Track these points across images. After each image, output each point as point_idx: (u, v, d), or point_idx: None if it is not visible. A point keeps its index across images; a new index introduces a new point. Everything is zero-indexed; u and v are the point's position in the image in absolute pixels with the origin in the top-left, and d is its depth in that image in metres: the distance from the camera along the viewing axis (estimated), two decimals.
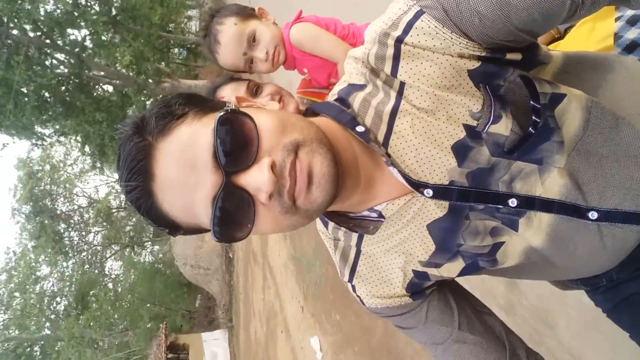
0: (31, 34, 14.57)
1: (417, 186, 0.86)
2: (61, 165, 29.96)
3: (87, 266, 31.87)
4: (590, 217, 0.87)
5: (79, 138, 17.46)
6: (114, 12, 15.44)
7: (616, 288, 1.08)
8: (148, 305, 28.22)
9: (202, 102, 0.84)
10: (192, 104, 0.82)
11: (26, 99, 14.20)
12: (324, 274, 7.57)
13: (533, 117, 0.83)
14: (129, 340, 27.21)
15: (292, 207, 0.79)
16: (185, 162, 0.77)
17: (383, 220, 0.93)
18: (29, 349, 29.04)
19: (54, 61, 15.91)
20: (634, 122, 0.88)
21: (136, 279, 29.92)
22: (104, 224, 31.53)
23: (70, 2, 14.71)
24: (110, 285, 32.75)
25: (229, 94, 1.82)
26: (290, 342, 9.45)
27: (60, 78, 15.49)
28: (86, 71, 15.75)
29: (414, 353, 4.55)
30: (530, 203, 0.87)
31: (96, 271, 32.43)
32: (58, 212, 29.09)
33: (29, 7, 13.36)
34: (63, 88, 15.93)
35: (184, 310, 28.76)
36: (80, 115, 15.58)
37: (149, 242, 33.64)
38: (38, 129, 16.48)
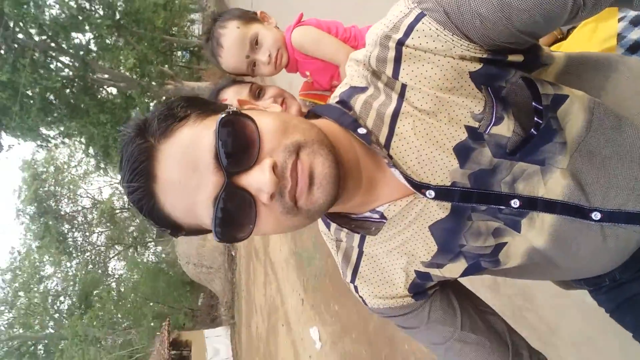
0: (37, 38, 14.59)
1: (419, 187, 0.86)
2: (65, 166, 30.08)
3: (90, 266, 31.94)
4: (593, 217, 0.87)
5: (83, 140, 17.42)
6: (118, 16, 15.38)
7: (619, 288, 1.08)
8: (151, 304, 28.27)
9: (204, 104, 0.85)
10: (194, 107, 0.83)
11: (31, 101, 14.21)
12: (324, 267, 7.64)
13: (535, 119, 0.83)
14: (132, 338, 27.26)
15: (294, 207, 0.79)
16: (187, 163, 0.77)
17: (385, 221, 0.93)
18: (33, 348, 29.07)
19: (59, 64, 15.93)
20: (637, 123, 0.88)
21: (139, 278, 29.95)
22: (108, 224, 31.57)
23: (75, 6, 14.72)
24: (113, 285, 32.76)
25: (232, 96, 1.82)
26: (291, 334, 9.51)
27: (65, 81, 15.52)
28: (90, 74, 15.74)
29: (407, 337, 4.62)
30: (533, 204, 0.87)
31: (100, 271, 32.49)
32: (62, 213, 29.23)
33: (35, 12, 13.37)
34: (68, 90, 15.93)
35: (187, 308, 28.75)
36: (85, 117, 15.57)
37: (152, 243, 33.64)
38: (43, 130, 16.43)
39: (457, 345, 1.00)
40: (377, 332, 5.53)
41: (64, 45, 15.08)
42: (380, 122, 0.87)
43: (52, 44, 15.02)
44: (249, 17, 1.91)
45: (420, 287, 1.00)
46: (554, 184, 0.86)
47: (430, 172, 0.86)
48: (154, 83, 15.89)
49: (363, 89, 0.90)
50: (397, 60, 0.83)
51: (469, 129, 0.83)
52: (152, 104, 16.62)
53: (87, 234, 31.62)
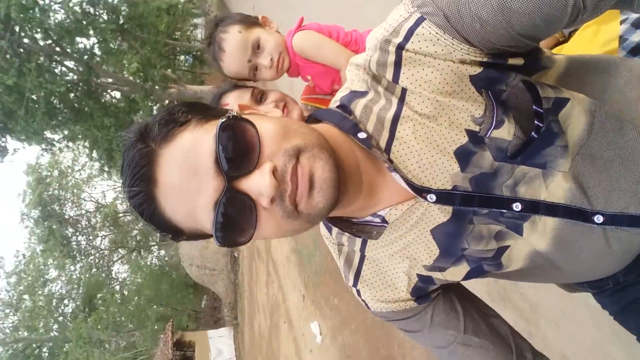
0: (41, 43, 14.73)
1: (420, 191, 0.86)
2: (69, 170, 30.20)
3: (94, 269, 31.99)
4: (596, 220, 0.87)
5: (87, 144, 17.52)
6: (121, 20, 15.50)
7: (623, 291, 1.07)
8: (155, 306, 28.33)
9: (204, 109, 0.85)
10: (195, 112, 0.83)
11: (37, 105, 14.29)
12: (324, 263, 7.74)
13: (535, 122, 0.82)
14: (135, 340, 27.33)
15: (294, 211, 0.79)
16: (187, 167, 0.77)
17: (386, 225, 0.93)
18: (37, 350, 29.10)
19: (64, 68, 16.07)
20: (639, 125, 0.88)
21: (143, 281, 30.02)
22: (111, 228, 31.62)
23: (80, 11, 14.86)
24: (117, 288, 32.84)
25: (233, 101, 1.81)
26: (293, 331, 9.57)
27: (69, 85, 15.62)
28: (95, 78, 15.88)
29: None
30: (535, 207, 0.86)
31: (103, 274, 32.53)
32: (66, 216, 29.30)
33: (41, 16, 13.50)
34: (72, 94, 16.02)
35: (190, 310, 28.77)
36: (89, 121, 15.66)
37: (155, 247, 33.67)
38: (48, 134, 16.49)
39: (460, 349, 1.00)
40: (375, 323, 5.63)
41: (68, 50, 15.20)
42: (381, 126, 0.87)
43: (57, 49, 15.14)
44: (250, 21, 1.92)
45: (422, 291, 1.00)
46: (556, 187, 0.86)
47: (431, 176, 0.86)
48: (157, 87, 15.96)
49: (363, 93, 0.91)
50: (397, 64, 0.83)
51: (470, 132, 0.83)
52: (155, 108, 16.73)
53: (91, 237, 31.73)
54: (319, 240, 7.95)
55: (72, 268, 31.05)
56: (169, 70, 17.96)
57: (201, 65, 20.48)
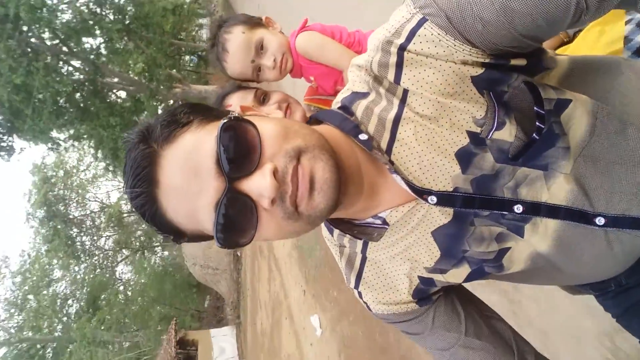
0: (49, 42, 14.96)
1: (421, 193, 0.85)
2: (74, 171, 30.36)
3: (98, 270, 32.10)
4: (597, 222, 0.86)
5: (92, 143, 17.65)
6: (127, 20, 15.69)
7: (625, 293, 1.06)
8: (158, 307, 28.36)
9: (206, 110, 0.85)
10: (197, 113, 0.83)
11: (43, 104, 14.45)
12: (324, 257, 7.76)
13: (537, 123, 0.82)
14: (139, 341, 27.45)
15: (295, 212, 0.79)
16: (189, 168, 0.77)
17: (387, 227, 0.92)
18: (42, 350, 29.24)
19: (70, 68, 16.26)
20: None
21: (146, 281, 30.07)
22: (115, 228, 31.70)
23: (87, 11, 15.06)
24: (121, 288, 33.01)
25: (237, 102, 1.81)
26: (294, 325, 9.59)
27: (76, 84, 15.80)
28: (101, 77, 16.07)
29: None
30: (536, 209, 0.86)
31: (107, 275, 32.63)
32: (71, 216, 29.41)
33: (48, 16, 13.70)
34: (78, 94, 16.21)
35: (194, 310, 28.80)
36: (95, 120, 15.83)
37: (159, 247, 33.73)
38: (54, 133, 16.66)
39: (462, 351, 0.99)
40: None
41: (75, 49, 15.38)
42: (382, 127, 0.87)
43: (64, 48, 15.34)
44: (254, 22, 1.92)
45: (424, 293, 1.00)
46: (558, 189, 0.85)
47: (432, 178, 0.85)
48: (162, 86, 16.09)
49: (364, 95, 0.90)
50: (399, 65, 0.83)
51: (471, 134, 0.83)
52: (160, 107, 16.85)
53: (95, 238, 31.86)
54: (319, 234, 7.99)
55: (77, 268, 31.20)
56: (174, 70, 18.03)
57: (206, 66, 20.56)
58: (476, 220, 0.88)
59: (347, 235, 0.98)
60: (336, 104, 0.96)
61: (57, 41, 15.10)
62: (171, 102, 17.17)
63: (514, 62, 0.83)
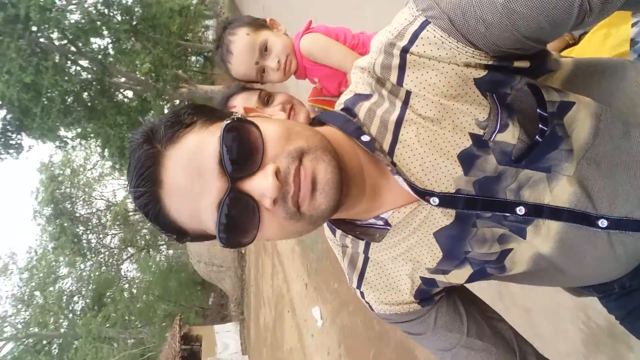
0: (57, 42, 15.16)
1: (423, 194, 0.85)
2: (81, 169, 30.62)
3: (104, 267, 32.37)
4: (600, 225, 0.86)
5: (99, 142, 17.80)
6: (135, 21, 15.87)
7: (629, 295, 1.06)
8: (163, 305, 28.54)
9: (210, 111, 0.86)
10: (201, 114, 0.84)
11: (52, 103, 14.63)
12: (326, 249, 7.83)
13: (540, 126, 0.82)
14: (144, 337, 27.57)
15: (297, 213, 0.79)
16: (192, 169, 0.77)
17: (389, 228, 0.92)
18: (47, 346, 29.51)
19: (78, 67, 16.44)
20: None
21: (151, 279, 30.22)
22: (121, 226, 31.95)
23: (95, 12, 15.25)
24: (126, 286, 33.23)
25: (241, 103, 1.80)
26: (296, 318, 9.71)
27: (83, 84, 16.03)
28: (108, 77, 16.25)
29: None
30: (539, 211, 0.86)
31: (113, 272, 32.88)
32: (77, 214, 29.73)
33: (58, 17, 13.86)
34: (86, 93, 16.43)
35: (198, 307, 29.02)
36: (102, 119, 15.98)
37: (165, 246, 33.88)
38: (62, 132, 16.81)
39: (463, 352, 0.99)
40: None
41: (83, 49, 15.56)
42: (384, 129, 0.87)
43: (73, 48, 15.53)
44: (258, 24, 1.92)
45: (426, 294, 0.99)
46: (560, 192, 0.84)
47: (434, 179, 0.85)
48: (168, 86, 16.26)
49: (367, 96, 0.90)
50: (402, 67, 0.82)
51: (474, 136, 0.82)
52: (167, 107, 16.98)
53: (101, 236, 32.15)
54: (321, 228, 8.17)
55: (83, 266, 31.51)
56: (181, 70, 18.18)
57: (212, 66, 20.72)
58: (478, 221, 0.88)
59: (349, 236, 0.98)
60: (339, 105, 0.96)
61: (65, 41, 15.28)
62: (177, 101, 17.31)
63: (517, 64, 0.82)
